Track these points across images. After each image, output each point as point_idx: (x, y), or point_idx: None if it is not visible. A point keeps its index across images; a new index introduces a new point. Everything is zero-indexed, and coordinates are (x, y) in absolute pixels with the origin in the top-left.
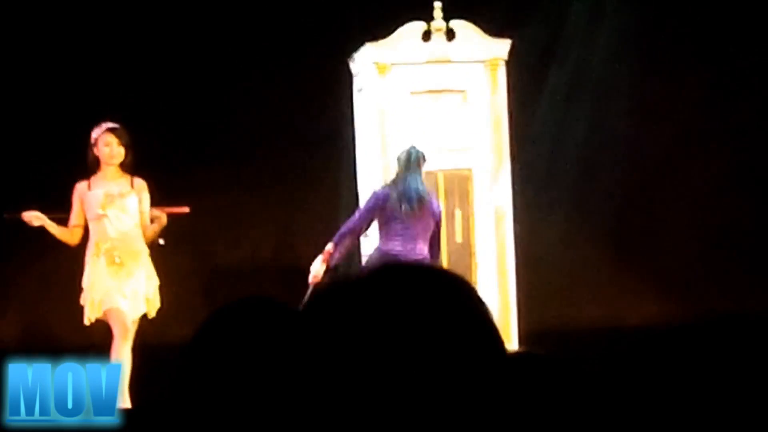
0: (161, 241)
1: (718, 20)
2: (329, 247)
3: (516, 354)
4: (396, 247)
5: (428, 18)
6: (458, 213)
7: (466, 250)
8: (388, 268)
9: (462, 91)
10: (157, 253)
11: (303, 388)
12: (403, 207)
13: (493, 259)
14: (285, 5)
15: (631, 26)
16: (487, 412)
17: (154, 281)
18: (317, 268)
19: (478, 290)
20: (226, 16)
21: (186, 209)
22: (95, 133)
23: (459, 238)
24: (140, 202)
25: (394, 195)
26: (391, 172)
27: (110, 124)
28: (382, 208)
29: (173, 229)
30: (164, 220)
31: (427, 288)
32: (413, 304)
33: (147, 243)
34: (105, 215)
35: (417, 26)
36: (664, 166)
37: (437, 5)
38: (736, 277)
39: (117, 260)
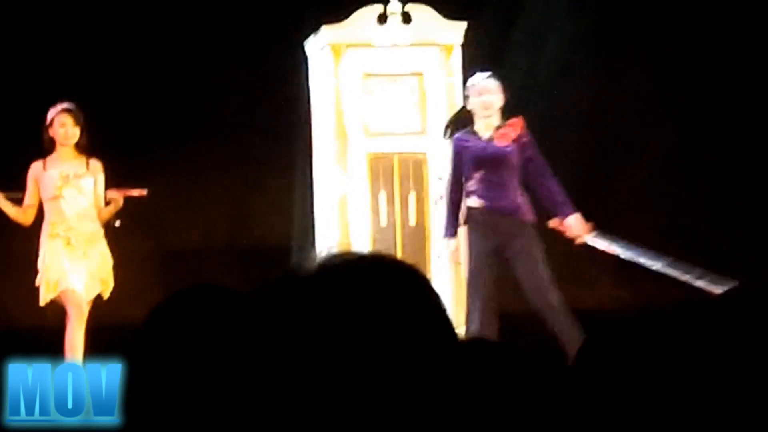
0: (117, 223)
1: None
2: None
3: (466, 341)
4: None
5: (384, 1)
6: (412, 196)
7: (420, 233)
8: (336, 259)
9: (417, 75)
10: (112, 234)
11: (251, 380)
12: None
13: None
14: None
15: (588, 11)
16: (441, 400)
17: (109, 262)
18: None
19: (429, 277)
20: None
21: (144, 191)
22: (51, 114)
23: (413, 222)
24: (95, 183)
25: None
26: (347, 155)
27: (66, 105)
28: None
29: (129, 211)
30: (120, 201)
31: (375, 280)
32: (361, 297)
33: (102, 224)
34: (60, 196)
35: (373, 9)
36: (622, 150)
37: None
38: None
39: (72, 241)
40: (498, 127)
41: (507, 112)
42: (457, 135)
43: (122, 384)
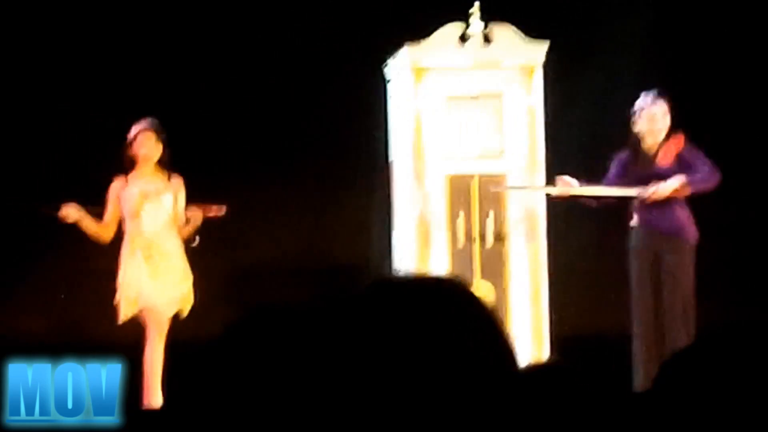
0: (195, 241)
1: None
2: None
3: (530, 368)
4: None
5: (465, 21)
6: (491, 217)
7: (498, 254)
8: (387, 282)
9: (498, 95)
10: (190, 251)
11: (311, 396)
12: None
13: (526, 264)
14: (321, 10)
15: (668, 30)
16: (499, 426)
17: (189, 279)
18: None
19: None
20: (265, 18)
21: (222, 209)
22: (133, 130)
23: (491, 243)
24: (176, 200)
25: None
26: (425, 176)
27: (148, 122)
28: None
29: (208, 228)
30: (200, 219)
31: (427, 300)
32: (412, 318)
33: (182, 241)
34: (141, 212)
35: (453, 29)
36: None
37: (474, 8)
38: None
39: (153, 258)
40: (660, 146)
41: (584, 135)
42: (623, 154)
43: (190, 397)
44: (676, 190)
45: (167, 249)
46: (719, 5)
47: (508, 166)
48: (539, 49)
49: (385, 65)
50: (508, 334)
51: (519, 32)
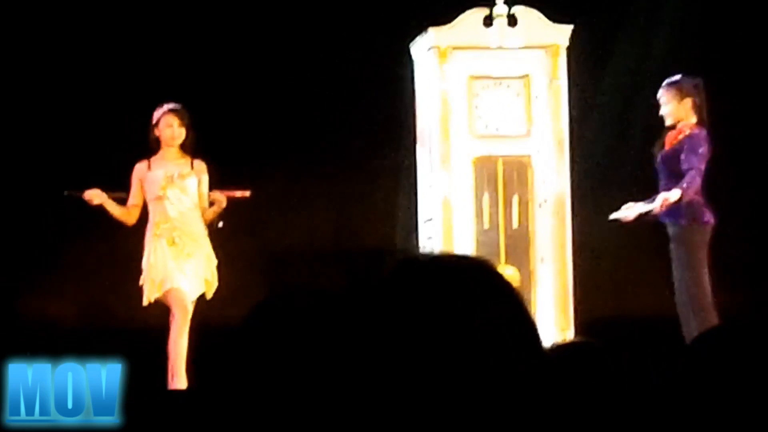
0: (220, 224)
1: None
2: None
3: (557, 347)
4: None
5: (491, 4)
6: (516, 199)
7: (523, 236)
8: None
9: (523, 77)
10: (215, 234)
11: (343, 381)
12: None
13: (551, 246)
14: None
15: (695, 15)
16: (525, 406)
17: (213, 262)
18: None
19: (533, 281)
20: (290, 2)
21: (246, 193)
22: (157, 114)
23: (516, 224)
24: (200, 183)
25: None
26: (451, 157)
27: (172, 105)
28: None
29: (232, 212)
30: (224, 202)
31: (452, 279)
32: (440, 298)
33: (206, 225)
34: (165, 196)
35: (479, 11)
36: (726, 158)
37: None
38: None
39: (177, 241)
40: (666, 133)
41: (609, 118)
42: None
43: (217, 380)
44: (667, 202)
45: (191, 232)
46: None
47: (533, 147)
48: (564, 32)
49: (412, 45)
50: (531, 314)
51: (543, 16)
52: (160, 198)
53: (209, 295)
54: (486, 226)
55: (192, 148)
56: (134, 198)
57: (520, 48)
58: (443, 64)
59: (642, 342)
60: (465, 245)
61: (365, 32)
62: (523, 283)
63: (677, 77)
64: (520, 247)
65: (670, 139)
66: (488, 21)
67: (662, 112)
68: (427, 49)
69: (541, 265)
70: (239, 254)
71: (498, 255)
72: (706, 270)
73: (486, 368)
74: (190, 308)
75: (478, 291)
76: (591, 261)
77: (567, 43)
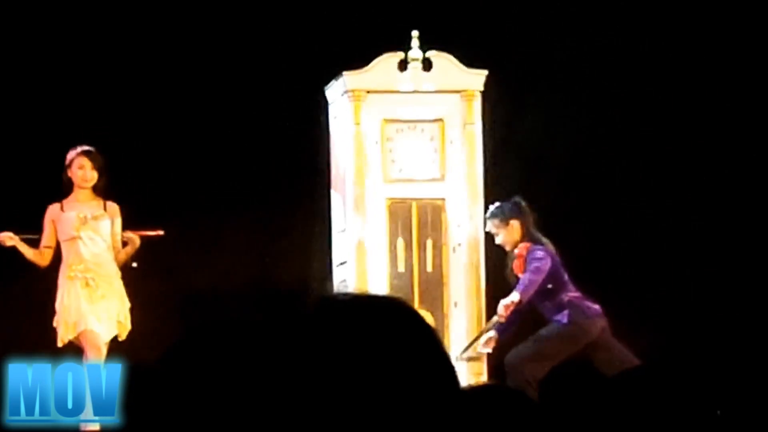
0: (134, 264)
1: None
2: (516, 299)
3: (471, 387)
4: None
5: (405, 48)
6: (430, 243)
7: (437, 280)
8: (333, 300)
9: (437, 121)
10: (129, 275)
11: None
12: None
13: (464, 290)
14: (262, 34)
15: (612, 55)
16: None
17: (126, 304)
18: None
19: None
20: (202, 43)
21: (160, 232)
22: (69, 156)
23: (430, 268)
24: (113, 225)
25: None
26: (365, 201)
27: (85, 147)
28: (556, 263)
29: (146, 252)
30: (137, 242)
31: (370, 317)
32: (358, 333)
33: (119, 266)
34: (78, 237)
35: (394, 56)
36: (643, 205)
37: (414, 35)
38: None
39: (90, 283)
40: (512, 261)
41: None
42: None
43: (133, 413)
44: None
45: (105, 273)
46: (648, 33)
47: (447, 191)
48: (479, 77)
49: (327, 88)
50: (447, 352)
51: (457, 61)
52: (73, 239)
53: (122, 337)
54: (400, 269)
55: (105, 190)
56: (47, 240)
57: (434, 92)
58: (358, 108)
59: (554, 384)
60: (379, 288)
61: (280, 75)
62: (437, 327)
63: (496, 204)
64: (433, 290)
65: (516, 268)
66: (403, 65)
67: (497, 242)
68: (341, 92)
69: (454, 309)
70: (153, 295)
71: (412, 299)
72: (550, 363)
73: (403, 405)
74: (104, 350)
75: (396, 329)
76: None
77: (482, 88)
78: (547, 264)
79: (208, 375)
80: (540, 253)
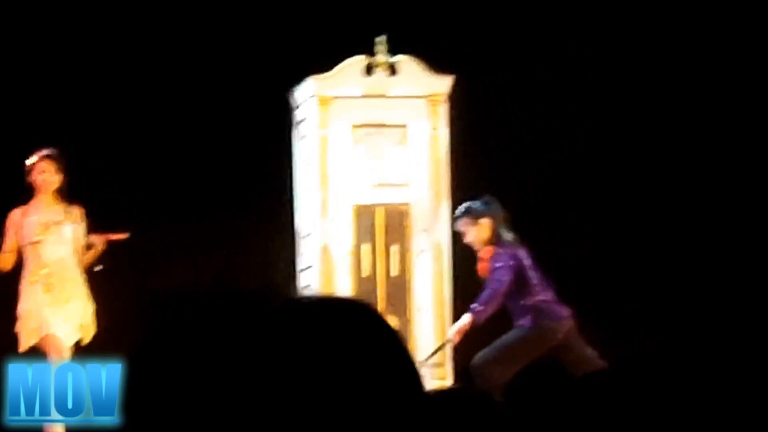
0: (98, 268)
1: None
2: (468, 321)
3: (435, 392)
4: (550, 296)
5: (371, 53)
6: (395, 247)
7: (402, 285)
8: (293, 301)
9: (403, 126)
10: (93, 278)
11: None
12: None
13: (429, 295)
14: (228, 39)
15: (580, 61)
16: None
17: (90, 307)
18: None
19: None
20: (167, 48)
21: (125, 235)
22: (31, 160)
23: (395, 273)
24: (76, 229)
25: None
26: (330, 205)
27: (47, 151)
28: (521, 267)
29: (111, 256)
30: (101, 246)
31: (333, 319)
32: (320, 335)
33: (83, 269)
34: (41, 242)
35: (359, 60)
36: (613, 206)
37: (380, 40)
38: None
39: (53, 287)
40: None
41: (491, 167)
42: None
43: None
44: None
45: (68, 278)
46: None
47: (413, 196)
48: (445, 81)
49: (293, 93)
50: (412, 355)
51: (423, 66)
52: (36, 244)
53: (86, 341)
54: (365, 274)
55: (68, 194)
56: (9, 245)
57: (400, 97)
58: (324, 112)
59: (519, 389)
60: (343, 293)
61: (245, 79)
62: (401, 332)
63: (466, 204)
64: (398, 295)
65: (480, 271)
66: (369, 70)
67: (466, 240)
68: (307, 97)
69: (419, 314)
70: (117, 297)
71: (376, 303)
72: (515, 366)
73: (367, 407)
74: (67, 354)
75: (360, 330)
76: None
77: (448, 93)
78: (507, 274)
79: (168, 375)
80: (499, 263)
